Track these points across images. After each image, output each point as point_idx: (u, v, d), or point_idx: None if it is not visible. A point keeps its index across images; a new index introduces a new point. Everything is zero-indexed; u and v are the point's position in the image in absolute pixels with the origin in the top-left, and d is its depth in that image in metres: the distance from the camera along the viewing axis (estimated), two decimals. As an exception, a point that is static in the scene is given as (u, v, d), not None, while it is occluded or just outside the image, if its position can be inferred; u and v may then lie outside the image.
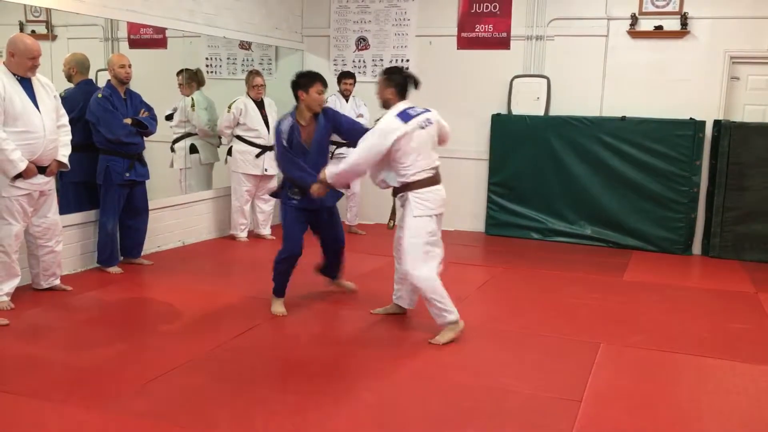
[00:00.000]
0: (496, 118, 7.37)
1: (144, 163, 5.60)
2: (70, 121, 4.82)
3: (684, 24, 6.79)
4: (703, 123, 6.71)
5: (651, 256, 6.71)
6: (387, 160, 4.09)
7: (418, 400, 3.38)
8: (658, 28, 6.90)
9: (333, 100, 6.95)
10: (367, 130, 4.40)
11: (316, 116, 4.52)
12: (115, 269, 5.50)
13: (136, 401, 3.25)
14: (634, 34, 6.99)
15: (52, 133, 4.56)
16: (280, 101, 7.07)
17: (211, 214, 6.95)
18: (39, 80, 4.54)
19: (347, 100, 7.18)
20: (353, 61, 7.99)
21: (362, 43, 7.97)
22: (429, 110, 4.22)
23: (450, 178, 7.57)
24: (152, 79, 6.59)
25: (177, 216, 6.50)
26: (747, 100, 6.87)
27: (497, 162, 7.41)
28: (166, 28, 6.50)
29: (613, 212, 7.01)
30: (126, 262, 5.67)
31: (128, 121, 5.39)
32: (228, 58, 7.84)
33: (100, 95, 5.31)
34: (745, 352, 4.15)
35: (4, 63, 4.44)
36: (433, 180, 4.13)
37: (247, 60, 7.84)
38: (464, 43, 7.59)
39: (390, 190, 4.27)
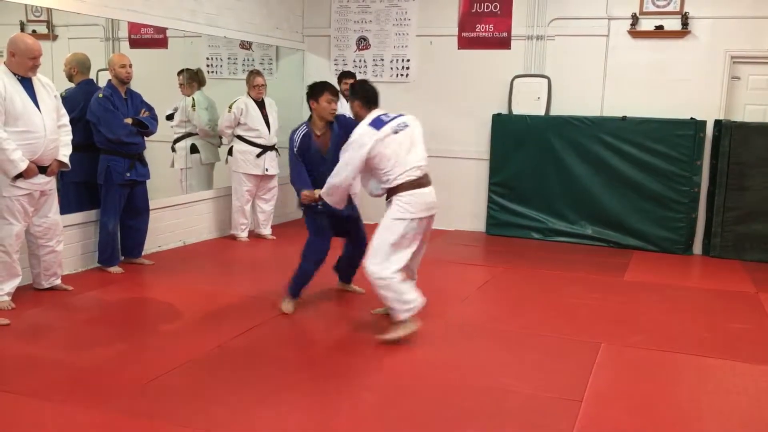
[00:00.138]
0: (497, 118, 7.37)
1: (145, 162, 5.60)
2: (71, 121, 4.83)
3: (685, 24, 6.79)
4: (703, 123, 6.70)
5: (651, 256, 6.71)
6: (370, 168, 4.11)
7: (418, 399, 3.38)
8: (659, 27, 6.90)
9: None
10: None
11: (331, 125, 4.57)
12: (115, 269, 5.50)
13: (137, 401, 3.25)
14: (635, 33, 6.99)
15: (53, 132, 4.56)
16: (280, 101, 7.09)
17: (211, 214, 6.95)
18: (39, 80, 4.55)
19: (347, 100, 7.17)
20: (354, 61, 7.99)
21: (363, 43, 7.97)
22: (403, 115, 4.24)
23: (451, 178, 7.70)
24: (153, 78, 6.59)
25: (178, 216, 6.50)
26: (748, 99, 6.87)
27: (498, 162, 7.41)
28: (166, 28, 6.50)
29: (613, 212, 7.01)
30: (127, 262, 5.68)
31: (129, 120, 5.39)
32: (229, 58, 7.84)
33: (100, 95, 5.32)
34: (746, 352, 4.15)
35: (4, 63, 4.44)
36: (417, 183, 4.08)
37: (248, 60, 7.84)
38: (465, 43, 7.59)
39: None
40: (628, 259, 6.53)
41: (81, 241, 5.48)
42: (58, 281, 4.95)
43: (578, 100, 7.17)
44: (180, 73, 6.80)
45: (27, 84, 4.45)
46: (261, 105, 6.81)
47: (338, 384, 3.59)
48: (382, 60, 7.90)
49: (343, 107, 6.94)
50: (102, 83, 5.61)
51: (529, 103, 7.27)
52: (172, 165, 6.88)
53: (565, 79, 7.21)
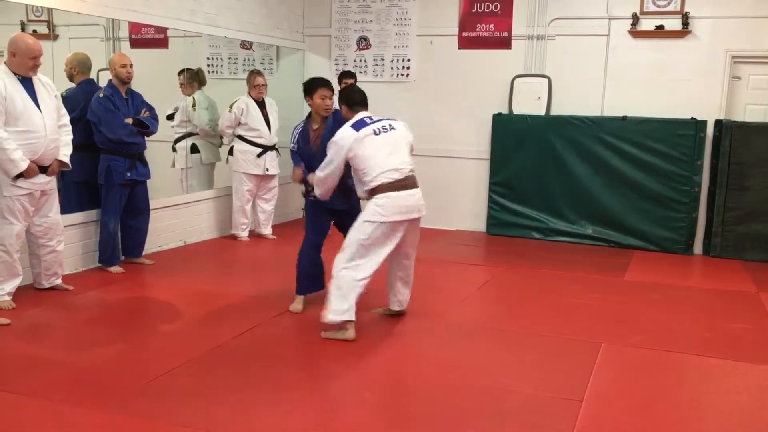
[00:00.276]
0: (497, 118, 7.37)
1: (145, 162, 5.60)
2: (72, 121, 4.83)
3: (685, 23, 6.79)
4: (704, 123, 6.70)
5: (652, 256, 6.70)
6: (354, 170, 4.14)
7: (418, 399, 3.38)
8: (660, 27, 6.90)
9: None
10: None
11: (327, 119, 4.60)
12: (116, 269, 5.50)
13: (137, 401, 3.25)
14: (636, 33, 6.99)
15: (53, 132, 4.57)
16: (281, 101, 7.09)
17: (212, 214, 6.95)
18: (40, 80, 4.55)
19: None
20: (354, 61, 7.99)
21: (363, 43, 7.97)
22: (392, 119, 4.26)
23: (451, 178, 7.71)
24: (153, 78, 6.59)
25: (178, 216, 6.51)
26: (748, 99, 6.87)
27: (498, 161, 7.41)
28: (167, 28, 6.50)
29: (614, 212, 7.01)
30: (127, 262, 5.68)
31: (129, 120, 5.39)
32: (229, 58, 7.84)
33: (101, 95, 5.32)
34: (746, 352, 4.15)
35: (5, 63, 4.44)
36: (396, 185, 4.06)
37: (249, 60, 7.84)
38: (465, 43, 7.59)
39: None
40: (629, 259, 6.53)
41: (81, 240, 5.49)
42: (59, 281, 4.95)
43: (579, 100, 7.17)
44: (180, 72, 6.80)
45: (27, 84, 4.46)
46: (261, 105, 6.81)
47: (338, 384, 3.59)
48: (383, 60, 7.90)
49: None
50: (102, 83, 5.61)
51: (529, 102, 7.27)
52: (173, 165, 6.88)
53: (566, 78, 7.21)
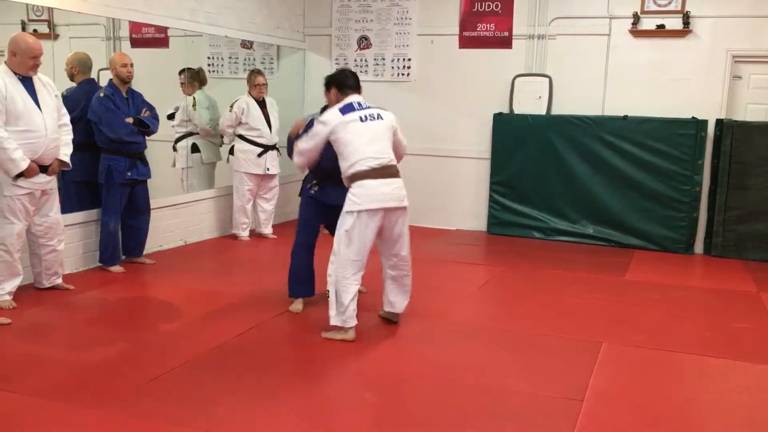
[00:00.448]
0: (498, 117, 7.37)
1: (146, 162, 5.60)
2: (72, 121, 4.83)
3: (686, 23, 6.78)
4: (705, 122, 6.70)
5: (653, 256, 6.70)
6: (337, 154, 4.13)
7: (419, 399, 3.38)
8: (660, 27, 6.89)
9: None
10: None
11: None
12: (117, 268, 5.50)
13: (138, 400, 3.25)
14: (636, 33, 6.98)
15: (54, 132, 4.57)
16: (282, 100, 7.09)
17: (212, 214, 6.95)
18: (40, 79, 4.55)
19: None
20: (355, 60, 7.98)
21: (364, 42, 7.97)
22: (383, 109, 4.22)
23: (452, 177, 7.71)
24: (154, 78, 6.59)
25: (179, 215, 6.51)
26: (749, 99, 6.86)
27: (499, 161, 7.40)
28: (167, 28, 6.50)
29: (615, 211, 7.01)
30: (128, 261, 5.68)
31: (130, 120, 5.39)
32: (230, 58, 7.84)
33: (102, 94, 5.32)
34: (747, 352, 4.14)
35: (5, 62, 4.44)
36: (372, 173, 4.01)
37: (249, 59, 7.84)
38: (466, 42, 7.59)
39: None
40: (630, 259, 6.52)
41: (82, 240, 5.49)
42: (59, 280, 4.95)
43: (579, 100, 7.17)
44: (181, 72, 6.80)
45: (28, 83, 4.46)
46: (262, 104, 6.81)
47: (338, 384, 3.59)
48: (383, 59, 7.89)
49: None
50: (103, 82, 5.61)
51: (530, 102, 7.27)
52: (173, 164, 6.88)
53: (567, 78, 7.21)
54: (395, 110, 4.30)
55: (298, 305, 4.64)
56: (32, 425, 3.04)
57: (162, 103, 6.08)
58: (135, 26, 6.57)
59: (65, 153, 4.67)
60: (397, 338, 4.24)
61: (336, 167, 4.16)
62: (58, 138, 4.62)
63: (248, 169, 6.79)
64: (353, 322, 4.09)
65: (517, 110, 7.33)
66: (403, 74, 7.85)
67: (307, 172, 4.61)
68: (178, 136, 6.86)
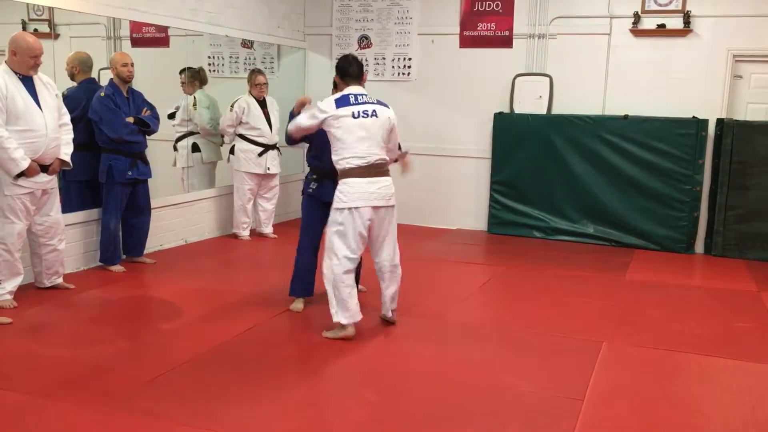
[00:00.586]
0: (499, 117, 7.37)
1: (146, 161, 5.60)
2: (73, 120, 4.83)
3: (687, 22, 6.78)
4: (705, 121, 6.70)
5: (653, 255, 6.70)
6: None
7: (420, 398, 3.38)
8: (661, 26, 6.89)
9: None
10: None
11: None
12: (117, 268, 5.50)
13: (139, 399, 3.25)
14: (637, 32, 6.98)
15: (54, 131, 4.57)
16: (282, 100, 7.08)
17: (213, 213, 6.96)
18: (41, 79, 4.55)
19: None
20: (355, 60, 7.97)
21: (364, 42, 7.97)
22: (383, 105, 4.16)
23: (452, 177, 7.71)
24: (155, 77, 6.59)
25: (179, 214, 6.51)
26: (750, 98, 6.86)
27: (499, 160, 7.40)
28: (168, 27, 6.50)
29: (615, 211, 7.01)
30: (128, 261, 5.68)
31: (130, 119, 5.39)
32: (230, 57, 7.84)
33: (102, 94, 5.32)
34: (748, 351, 4.14)
35: (6, 61, 4.44)
36: (358, 172, 4.01)
37: (250, 58, 7.84)
38: (466, 42, 7.59)
39: None
40: (630, 258, 6.52)
41: (83, 239, 5.49)
42: (60, 280, 4.95)
43: (580, 99, 7.17)
44: (182, 71, 6.80)
45: (28, 83, 4.46)
46: (263, 104, 6.81)
47: (339, 383, 3.59)
48: (384, 59, 7.89)
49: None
50: (104, 82, 5.61)
51: (530, 101, 7.27)
52: (174, 164, 6.88)
53: (567, 77, 7.20)
54: (396, 110, 4.28)
55: (299, 304, 4.65)
56: (33, 424, 3.04)
57: (162, 103, 6.08)
58: (135, 26, 6.57)
59: (66, 152, 4.67)
60: (397, 338, 4.24)
61: (331, 163, 4.18)
62: (59, 137, 4.62)
63: (249, 169, 6.79)
64: (359, 317, 4.09)
65: (517, 110, 7.33)
66: (403, 74, 7.85)
67: (307, 170, 4.62)
68: (178, 135, 6.86)
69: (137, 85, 5.59)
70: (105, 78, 5.71)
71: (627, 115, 6.91)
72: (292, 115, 4.42)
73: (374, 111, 4.09)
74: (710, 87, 6.79)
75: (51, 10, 5.78)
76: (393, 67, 7.87)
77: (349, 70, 4.21)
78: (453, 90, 7.65)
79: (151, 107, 5.60)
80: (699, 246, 6.90)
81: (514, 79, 7.34)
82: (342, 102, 4.08)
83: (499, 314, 4.94)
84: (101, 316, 4.54)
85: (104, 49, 6.26)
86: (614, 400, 3.43)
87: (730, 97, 6.80)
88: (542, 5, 7.26)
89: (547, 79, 7.25)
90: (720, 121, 6.68)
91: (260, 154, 6.78)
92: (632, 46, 7.02)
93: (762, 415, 3.33)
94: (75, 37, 6.24)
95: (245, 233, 6.92)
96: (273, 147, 6.87)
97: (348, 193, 4.02)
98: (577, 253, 6.68)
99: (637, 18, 6.95)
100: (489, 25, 7.47)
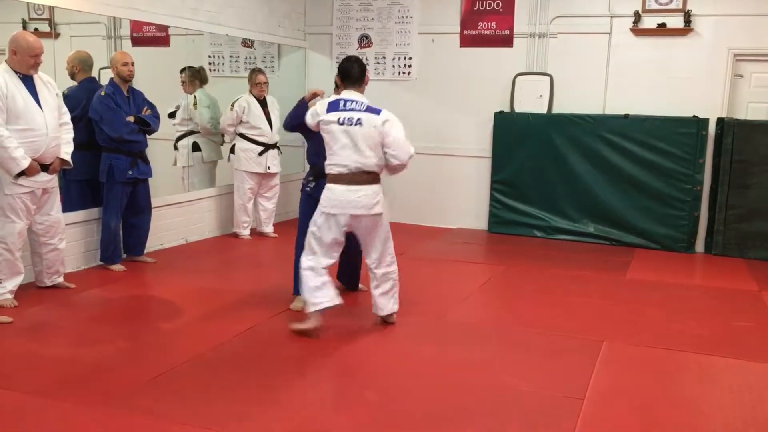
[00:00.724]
0: (499, 116, 7.36)
1: (147, 161, 5.61)
2: (73, 119, 4.83)
3: (687, 21, 6.77)
4: (706, 121, 6.69)
5: (654, 254, 6.70)
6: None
7: (420, 398, 3.38)
8: (662, 25, 6.88)
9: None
10: None
11: None
12: (118, 267, 5.51)
13: (139, 398, 3.25)
14: (637, 31, 6.98)
15: (55, 130, 4.57)
16: (282, 99, 7.08)
17: (213, 212, 6.96)
18: (41, 78, 4.55)
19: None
20: (356, 59, 7.97)
21: (365, 41, 7.97)
22: (373, 113, 4.07)
23: (453, 176, 7.71)
24: (155, 76, 6.59)
25: (180, 214, 6.51)
26: (750, 97, 6.85)
27: (500, 160, 7.40)
28: (168, 26, 6.50)
29: (616, 210, 7.00)
30: (129, 260, 5.68)
31: (131, 119, 5.39)
32: (231, 56, 7.84)
33: (103, 93, 5.32)
34: (748, 351, 4.14)
35: (6, 61, 4.44)
36: (338, 179, 4.06)
37: (250, 58, 7.84)
38: (467, 41, 7.58)
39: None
40: (631, 258, 6.52)
41: (83, 239, 5.49)
42: (61, 279, 4.95)
43: (580, 98, 7.16)
44: (182, 71, 6.80)
45: (28, 82, 4.46)
46: (263, 103, 6.81)
47: (339, 383, 3.59)
48: (384, 58, 7.89)
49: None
50: (104, 81, 5.61)
51: (531, 101, 7.27)
52: (174, 163, 6.88)
53: (568, 77, 7.20)
54: (396, 109, 4.27)
55: (299, 303, 4.64)
56: (33, 423, 3.05)
57: (163, 102, 6.08)
58: (136, 25, 6.57)
59: (66, 152, 4.68)
60: (397, 337, 4.24)
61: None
62: (59, 137, 4.62)
63: (249, 168, 6.79)
64: (322, 305, 4.11)
65: (518, 109, 7.32)
66: (404, 73, 7.85)
67: (308, 168, 4.63)
68: (179, 134, 6.86)
69: (137, 84, 5.59)
70: (105, 77, 5.70)
71: (627, 115, 6.91)
72: (301, 102, 4.50)
73: (359, 119, 4.04)
74: (711, 86, 6.78)
75: (51, 9, 5.77)
76: (393, 66, 7.87)
77: (350, 73, 4.21)
78: (453, 89, 7.65)
79: (152, 106, 5.60)
80: (699, 245, 6.90)
81: (515, 78, 7.33)
82: (332, 107, 4.11)
83: (499, 314, 4.94)
84: (102, 316, 4.55)
85: (104, 48, 6.26)
86: (614, 399, 3.43)
87: (730, 97, 6.79)
88: (543, 4, 7.25)
89: (548, 78, 7.24)
90: (720, 121, 6.68)
91: (261, 154, 6.79)
92: (633, 46, 7.01)
93: (762, 415, 3.33)
94: (75, 37, 6.23)
95: (246, 232, 6.92)
96: (273, 146, 6.87)
97: (329, 198, 4.10)
98: (578, 253, 6.68)
99: (637, 17, 6.94)
100: (489, 24, 7.47)
